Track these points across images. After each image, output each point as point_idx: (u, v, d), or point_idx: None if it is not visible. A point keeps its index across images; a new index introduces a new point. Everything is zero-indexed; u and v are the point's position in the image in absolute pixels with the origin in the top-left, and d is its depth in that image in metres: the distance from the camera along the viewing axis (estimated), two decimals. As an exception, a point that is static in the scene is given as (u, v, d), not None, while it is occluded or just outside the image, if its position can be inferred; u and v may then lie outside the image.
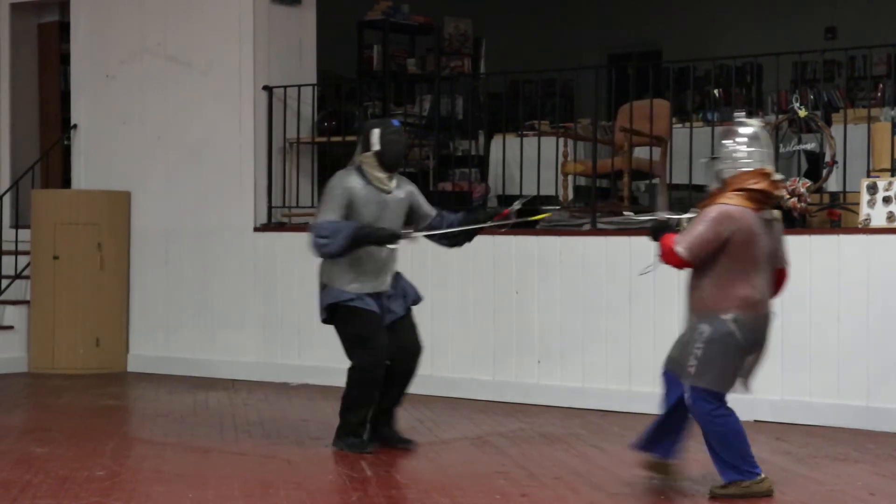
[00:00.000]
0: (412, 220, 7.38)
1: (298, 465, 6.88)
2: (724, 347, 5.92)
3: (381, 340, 7.11)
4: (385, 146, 7.15)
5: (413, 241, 7.20)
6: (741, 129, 6.08)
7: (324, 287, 7.19)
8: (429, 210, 7.39)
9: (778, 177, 6.07)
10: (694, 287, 6.07)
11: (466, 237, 7.40)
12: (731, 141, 6.03)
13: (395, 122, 7.32)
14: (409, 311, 7.39)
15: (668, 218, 6.34)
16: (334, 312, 7.17)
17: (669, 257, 6.02)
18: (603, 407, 8.78)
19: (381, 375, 7.12)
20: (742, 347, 5.95)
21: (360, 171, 7.19)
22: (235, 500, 6.09)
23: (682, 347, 6.08)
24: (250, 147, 10.60)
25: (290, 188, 10.63)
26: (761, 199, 5.97)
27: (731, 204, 5.91)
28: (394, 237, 7.09)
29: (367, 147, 7.19)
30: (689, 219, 6.15)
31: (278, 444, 7.50)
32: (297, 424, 8.33)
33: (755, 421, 8.28)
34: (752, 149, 6.00)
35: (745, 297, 5.91)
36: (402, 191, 7.31)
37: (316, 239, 6.99)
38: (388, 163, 7.17)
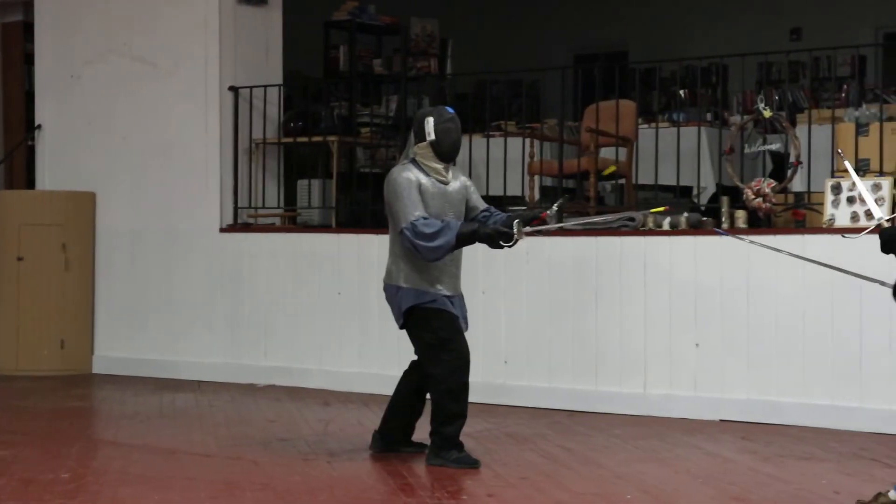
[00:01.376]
0: (468, 214, 7.04)
1: (265, 467, 6.85)
2: None
3: (464, 343, 6.85)
4: (441, 135, 6.79)
5: (520, 239, 6.70)
6: None
7: (397, 290, 6.87)
8: (479, 203, 7.05)
9: None
10: None
11: (507, 242, 6.82)
12: None
13: (450, 110, 6.92)
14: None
15: (883, 219, 5.38)
16: (410, 316, 6.85)
17: None
18: (569, 407, 8.79)
19: (467, 380, 6.86)
20: None
21: (417, 164, 6.85)
22: (201, 502, 6.06)
23: None
24: (216, 148, 10.57)
25: (256, 189, 10.61)
26: None
27: None
28: (507, 236, 6.68)
29: (421, 137, 6.82)
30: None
31: (245, 446, 7.48)
32: (264, 425, 8.30)
33: (721, 420, 8.32)
34: None
35: None
36: (459, 181, 6.97)
37: (422, 242, 6.62)
38: (445, 151, 6.82)
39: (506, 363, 9.16)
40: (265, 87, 10.58)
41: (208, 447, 7.51)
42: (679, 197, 9.72)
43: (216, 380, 10.26)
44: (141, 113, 10.90)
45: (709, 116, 12.32)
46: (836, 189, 8.28)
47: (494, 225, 6.84)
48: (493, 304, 9.19)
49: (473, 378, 9.24)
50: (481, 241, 6.72)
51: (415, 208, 6.67)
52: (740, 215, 8.65)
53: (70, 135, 11.29)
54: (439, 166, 6.83)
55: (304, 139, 10.48)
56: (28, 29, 12.04)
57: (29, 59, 12.05)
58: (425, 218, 6.65)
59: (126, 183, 10.96)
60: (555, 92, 11.79)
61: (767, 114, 8.95)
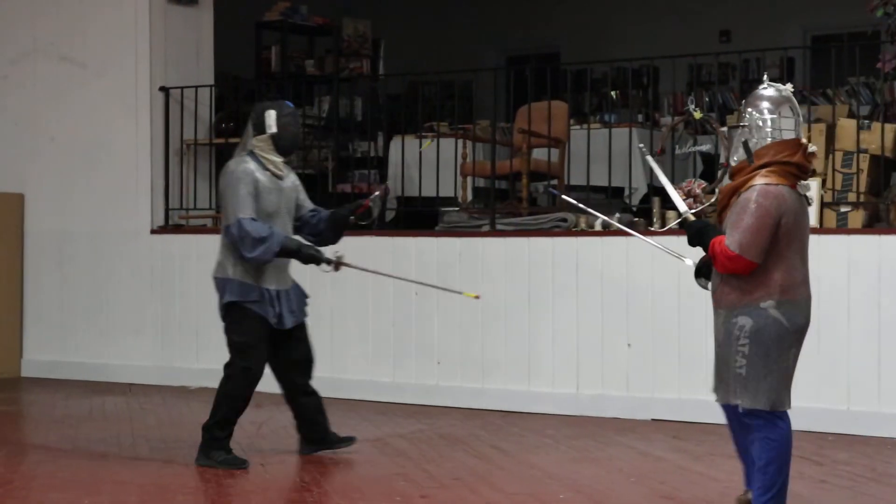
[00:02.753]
0: (296, 212, 7.05)
1: (196, 470, 6.80)
2: (773, 345, 5.15)
3: (262, 357, 6.83)
4: (282, 128, 6.77)
5: (337, 269, 6.90)
6: (767, 93, 5.27)
7: (225, 281, 6.78)
8: (307, 202, 7.06)
9: (812, 148, 5.29)
10: (723, 280, 5.22)
11: (334, 236, 7.06)
12: (757, 106, 5.24)
13: (290, 104, 6.91)
14: (300, 322, 7.08)
15: (688, 213, 5.48)
16: (230, 311, 6.80)
17: (732, 264, 5.08)
18: (503, 408, 8.81)
19: (250, 395, 6.84)
20: (792, 334, 5.18)
21: (255, 157, 6.80)
22: (132, 506, 6.02)
23: (721, 354, 5.30)
24: (147, 149, 10.48)
25: (187, 190, 10.53)
26: (796, 174, 5.20)
27: (769, 182, 5.10)
28: (318, 260, 6.81)
29: (260, 130, 6.79)
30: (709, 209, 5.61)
31: (176, 449, 7.42)
32: (196, 428, 8.19)
33: (653, 420, 8.38)
34: (782, 115, 5.23)
35: (785, 282, 5.13)
36: (291, 178, 6.97)
37: (242, 246, 6.60)
38: (285, 146, 6.82)
39: (439, 364, 9.17)
40: (196, 87, 10.52)
41: (139, 451, 7.45)
42: (611, 197, 9.77)
43: (147, 382, 10.18)
44: (70, 113, 10.79)
45: (640, 118, 12.40)
46: (766, 190, 8.34)
47: (321, 234, 7.01)
48: (426, 306, 9.19)
49: (407, 379, 9.32)
50: (298, 259, 6.78)
51: (245, 206, 6.63)
52: (671, 216, 8.72)
53: (-3, 135, 11.15)
54: (278, 160, 6.80)
55: (236, 140, 10.39)
56: (-46, 28, 11.88)
57: (-45, 59, 11.88)
58: (253, 219, 6.62)
59: (55, 184, 10.84)
60: (487, 93, 11.81)
61: (698, 115, 8.99)
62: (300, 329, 7.03)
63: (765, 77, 5.47)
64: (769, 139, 5.19)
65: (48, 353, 10.83)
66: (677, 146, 9.49)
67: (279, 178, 6.81)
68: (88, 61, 10.73)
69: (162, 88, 10.46)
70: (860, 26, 10.51)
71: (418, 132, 10.34)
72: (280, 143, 6.79)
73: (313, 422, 7.12)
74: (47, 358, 10.81)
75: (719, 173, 8.95)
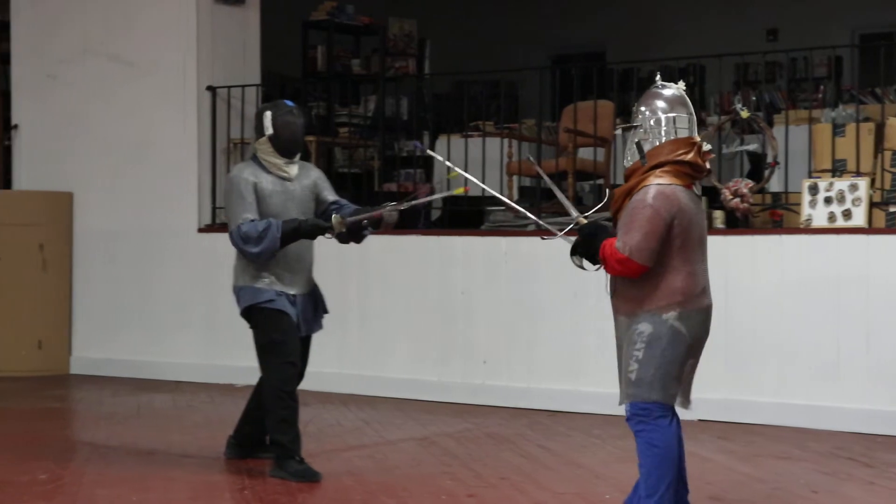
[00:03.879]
0: (318, 208, 6.78)
1: (243, 467, 6.84)
2: (669, 347, 5.09)
3: (294, 348, 6.57)
4: (279, 129, 6.55)
5: (341, 230, 6.46)
6: (663, 92, 5.17)
7: (238, 289, 6.77)
8: (329, 196, 6.78)
9: (707, 146, 5.22)
10: (622, 285, 5.16)
11: (356, 237, 6.68)
12: (651, 106, 5.13)
13: (289, 103, 6.67)
14: (310, 333, 6.84)
15: (579, 217, 5.39)
16: (250, 317, 6.67)
17: (622, 267, 5.00)
18: (549, 407, 8.81)
19: (293, 389, 6.56)
20: (689, 345, 5.14)
21: (257, 161, 6.64)
22: (180, 503, 6.05)
23: (621, 359, 5.29)
24: (194, 147, 10.54)
25: (234, 189, 10.56)
26: (691, 174, 5.07)
27: (662, 183, 4.99)
28: (325, 229, 6.49)
29: (261, 132, 6.61)
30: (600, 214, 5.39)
31: (223, 446, 7.45)
32: (243, 426, 8.28)
33: (699, 420, 8.34)
34: (677, 114, 5.11)
35: (686, 290, 5.04)
36: (307, 178, 6.73)
37: (246, 247, 6.54)
38: (284, 146, 6.59)
39: (485, 363, 9.17)
40: (243, 86, 10.56)
41: (187, 448, 7.49)
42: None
43: (194, 380, 10.24)
44: (118, 113, 10.87)
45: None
46: (814, 189, 8.31)
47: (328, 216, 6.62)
48: (472, 304, 9.19)
49: (452, 378, 9.31)
50: (304, 236, 6.52)
51: (244, 211, 6.52)
52: (718, 215, 8.68)
53: (47, 135, 11.24)
54: (279, 161, 6.59)
55: (283, 139, 10.44)
56: (4, 28, 11.99)
57: (5, 59, 12.00)
58: (252, 220, 6.49)
59: (104, 183, 10.92)
60: (533, 92, 11.81)
61: (745, 114, 8.99)
62: (306, 341, 6.83)
63: (657, 77, 5.33)
64: (663, 138, 5.06)
65: (97, 350, 10.91)
66: (724, 145, 9.45)
67: (285, 179, 6.63)
68: (137, 61, 10.80)
69: (209, 88, 10.52)
70: (910, 24, 10.44)
71: (464, 131, 10.34)
72: (278, 144, 6.58)
73: (262, 431, 6.83)
74: (96, 355, 10.89)
75: (766, 172, 8.92)
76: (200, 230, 10.51)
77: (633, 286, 5.07)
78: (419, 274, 9.45)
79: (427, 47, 13.38)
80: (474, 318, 9.23)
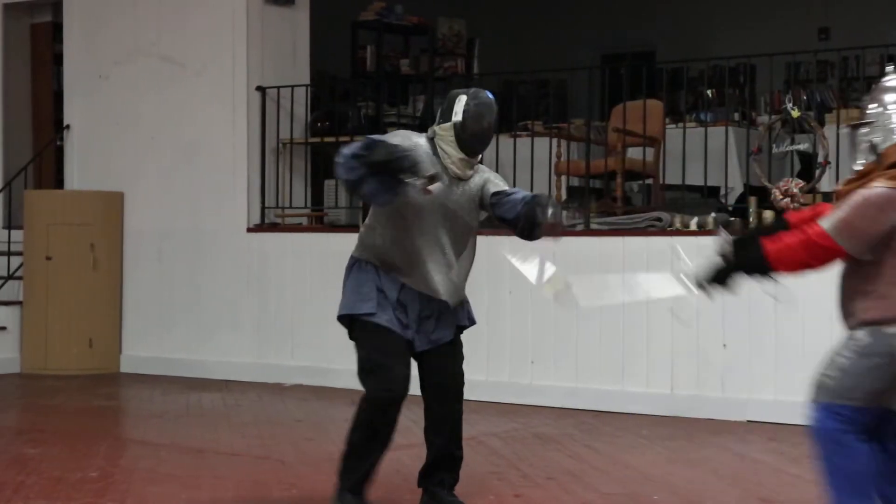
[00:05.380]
0: (483, 207, 5.69)
1: (292, 466, 6.87)
2: (880, 367, 4.49)
3: (397, 371, 5.47)
4: (468, 118, 5.48)
5: (437, 188, 5.36)
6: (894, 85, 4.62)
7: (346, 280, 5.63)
8: (497, 188, 5.63)
9: None
10: (850, 291, 4.70)
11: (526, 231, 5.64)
12: (885, 101, 4.59)
13: (489, 95, 5.68)
14: (456, 336, 5.79)
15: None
16: (351, 326, 5.59)
17: (821, 241, 4.49)
18: (596, 407, 8.78)
19: (391, 418, 5.55)
20: None
21: (433, 144, 5.57)
22: (229, 501, 6.09)
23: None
24: (244, 147, 10.60)
25: (283, 189, 10.63)
26: None
27: (890, 187, 4.41)
28: (416, 168, 5.20)
29: (447, 117, 5.53)
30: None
31: (272, 445, 7.50)
32: (291, 425, 8.32)
33: (748, 421, 8.30)
34: None
35: None
36: (478, 181, 5.63)
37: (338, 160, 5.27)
38: (467, 139, 5.47)
39: (532, 363, 9.16)
40: (292, 87, 10.60)
41: (236, 446, 7.53)
42: (706, 197, 9.69)
43: (243, 379, 10.29)
44: (169, 113, 10.94)
45: (736, 116, 12.28)
46: (865, 189, 8.23)
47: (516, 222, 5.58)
48: (520, 305, 9.18)
49: (500, 377, 9.29)
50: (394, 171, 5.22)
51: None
52: (768, 215, 8.62)
53: (98, 135, 11.34)
54: (458, 156, 5.52)
55: (332, 139, 10.48)
56: (57, 29, 12.12)
57: (58, 60, 12.13)
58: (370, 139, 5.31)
59: (154, 183, 11.00)
60: (582, 92, 11.77)
61: (795, 114, 8.92)
62: (451, 346, 5.83)
63: (888, 67, 4.95)
64: (895, 137, 4.51)
65: (147, 349, 10.99)
66: (774, 145, 9.38)
67: (457, 177, 5.55)
68: (188, 61, 10.87)
69: (259, 88, 10.57)
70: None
71: (513, 131, 10.32)
72: (462, 135, 5.50)
73: (436, 470, 5.94)
74: (146, 354, 10.97)
75: (817, 172, 8.85)
76: (249, 230, 10.55)
77: (862, 296, 4.61)
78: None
79: (476, 47, 13.38)
80: (522, 317, 9.22)
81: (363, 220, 5.90)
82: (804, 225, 4.61)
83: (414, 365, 5.65)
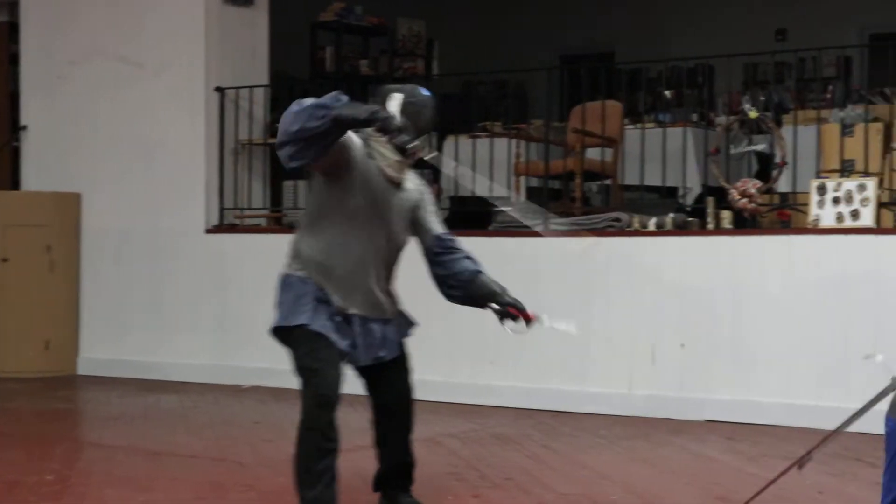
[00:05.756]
0: (413, 229, 5.45)
1: (250, 468, 6.84)
2: None
3: (329, 375, 5.12)
4: (408, 118, 5.00)
5: (421, 153, 5.15)
6: None
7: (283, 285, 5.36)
8: (434, 226, 5.43)
9: None
10: None
11: (464, 303, 5.71)
12: None
13: (425, 92, 5.27)
14: (402, 349, 5.69)
15: None
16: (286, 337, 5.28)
17: None
18: (555, 407, 8.79)
19: (327, 421, 5.14)
20: None
21: (367, 146, 5.16)
22: (186, 503, 6.05)
23: None
24: (202, 148, 10.55)
25: (241, 190, 10.59)
26: None
27: None
28: (381, 120, 4.80)
29: None
30: None
31: (230, 447, 7.47)
32: (249, 427, 8.29)
33: (706, 420, 8.33)
34: None
35: None
36: (416, 190, 5.37)
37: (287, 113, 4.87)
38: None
39: (491, 363, 9.16)
40: (251, 87, 10.57)
41: (193, 448, 7.50)
42: (665, 197, 9.73)
43: (201, 381, 10.24)
44: (127, 114, 10.88)
45: (694, 117, 12.34)
46: (822, 189, 8.30)
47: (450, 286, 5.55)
48: (479, 305, 9.17)
49: (458, 378, 9.30)
50: (372, 123, 4.84)
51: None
52: (726, 216, 8.67)
53: (56, 135, 11.26)
54: (393, 158, 5.17)
55: (290, 140, 10.45)
56: (14, 29, 12.02)
57: (14, 60, 12.03)
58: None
59: (112, 184, 10.93)
60: (541, 92, 11.81)
61: (753, 114, 8.97)
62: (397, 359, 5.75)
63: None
64: None
65: (104, 351, 10.92)
66: (732, 146, 9.43)
67: (392, 182, 5.22)
68: (145, 61, 10.81)
69: (217, 89, 10.53)
70: (919, 24, 10.42)
71: (472, 132, 10.33)
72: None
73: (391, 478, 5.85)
74: (103, 356, 10.90)
75: (774, 173, 8.90)
76: (208, 231, 10.51)
77: None
78: (425, 274, 9.43)
79: (435, 48, 13.39)
80: (481, 318, 9.18)
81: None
82: None
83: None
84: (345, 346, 5.20)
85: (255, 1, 10.81)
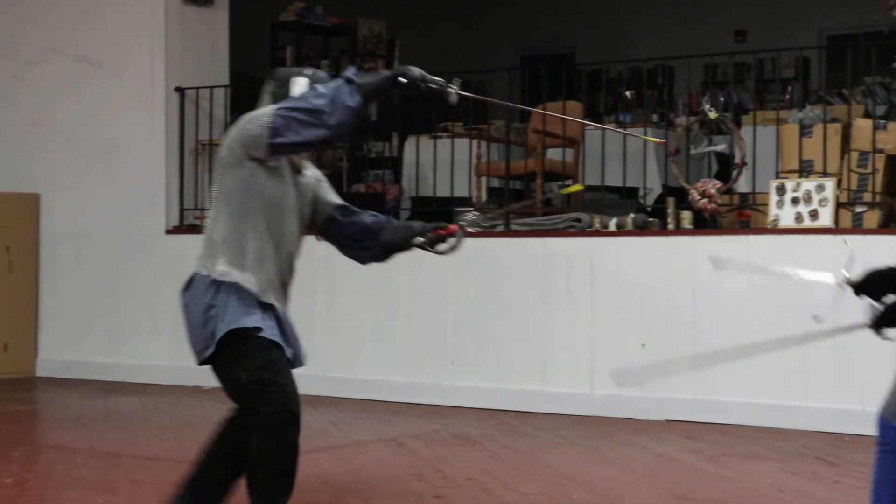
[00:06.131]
0: (312, 211, 5.07)
1: (210, 469, 6.81)
2: None
3: (291, 388, 4.75)
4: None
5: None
6: None
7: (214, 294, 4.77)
8: (333, 197, 5.13)
9: None
10: None
11: (382, 254, 5.23)
12: None
13: (325, 74, 5.04)
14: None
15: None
16: (224, 345, 4.76)
17: None
18: (517, 408, 8.80)
19: (293, 439, 4.79)
20: None
21: None
22: (146, 506, 6.03)
23: None
24: (162, 149, 10.50)
25: (201, 190, 10.54)
26: None
27: None
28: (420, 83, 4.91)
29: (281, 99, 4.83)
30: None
31: (190, 448, 7.37)
32: (210, 428, 8.20)
33: (667, 420, 8.37)
34: None
35: None
36: (313, 175, 5.10)
37: (301, 115, 4.60)
38: None
39: (453, 364, 9.16)
40: (211, 87, 10.53)
41: (153, 450, 7.46)
42: (625, 197, 9.77)
43: (161, 382, 10.19)
44: (86, 114, 10.82)
45: (655, 118, 12.39)
46: (781, 190, 8.34)
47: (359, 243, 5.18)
48: (440, 305, 9.19)
49: (420, 378, 9.30)
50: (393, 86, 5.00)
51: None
52: (686, 216, 8.71)
53: (14, 136, 11.18)
54: None
55: (251, 140, 10.41)
56: (-29, 29, 11.92)
57: (-29, 60, 11.92)
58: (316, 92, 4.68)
59: (71, 184, 10.87)
60: (502, 93, 11.80)
61: (713, 115, 9.01)
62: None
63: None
64: None
65: (63, 352, 10.86)
66: (692, 146, 9.47)
67: (295, 171, 4.96)
68: (104, 61, 10.76)
69: (177, 89, 10.48)
70: (876, 26, 10.50)
71: (433, 132, 10.33)
72: None
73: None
74: (63, 358, 10.84)
75: (734, 173, 8.95)
76: (168, 231, 10.47)
77: None
78: (387, 274, 9.43)
79: (396, 48, 13.37)
80: (443, 318, 9.23)
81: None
82: None
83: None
84: (290, 353, 4.85)
85: (214, 0, 10.77)
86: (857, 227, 8.23)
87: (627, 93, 12.96)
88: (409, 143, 11.07)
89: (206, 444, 5.20)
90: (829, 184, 8.23)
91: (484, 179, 10.09)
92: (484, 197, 10.04)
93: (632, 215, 8.90)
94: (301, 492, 6.29)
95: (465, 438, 7.79)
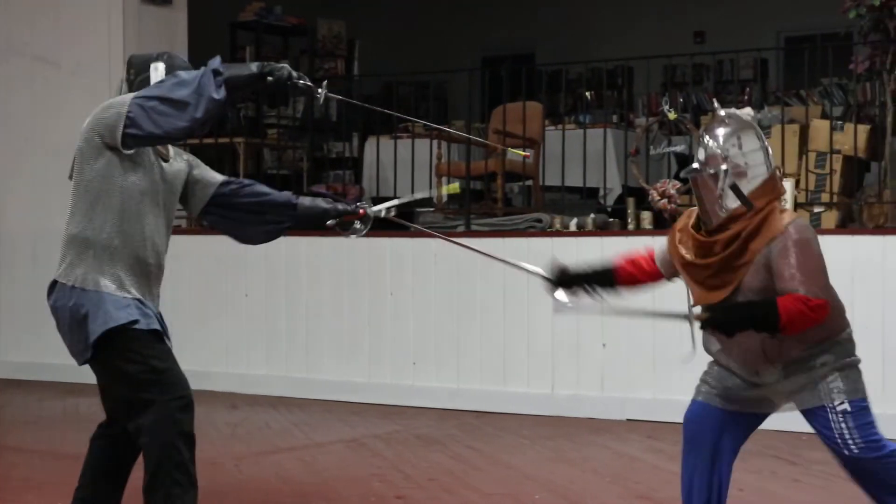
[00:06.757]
0: (189, 195, 4.93)
1: (171, 471, 6.77)
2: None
3: (181, 374, 4.76)
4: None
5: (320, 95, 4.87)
6: (739, 123, 4.48)
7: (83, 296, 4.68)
8: (215, 176, 4.98)
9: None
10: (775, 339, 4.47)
11: (291, 227, 5.22)
12: (741, 142, 4.38)
13: (183, 61, 5.09)
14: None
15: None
16: (104, 345, 4.67)
17: (819, 313, 4.28)
18: (478, 408, 8.81)
19: (192, 424, 4.79)
20: None
21: None
22: (106, 508, 5.98)
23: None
24: (120, 149, 10.42)
25: (161, 190, 10.48)
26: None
27: (793, 218, 4.31)
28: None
29: (143, 87, 4.81)
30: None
31: (150, 450, 7.38)
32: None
33: (627, 420, 8.39)
34: (765, 144, 4.46)
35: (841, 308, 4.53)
36: (184, 160, 4.93)
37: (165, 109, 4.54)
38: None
39: (414, 364, 9.16)
40: (170, 87, 10.46)
41: (113, 452, 7.40)
42: (585, 198, 9.79)
43: (121, 384, 10.11)
44: (43, 114, 10.73)
45: (614, 118, 12.43)
46: (740, 190, 8.37)
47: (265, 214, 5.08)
48: (402, 306, 9.18)
49: (381, 379, 9.28)
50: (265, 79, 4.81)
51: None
52: (646, 217, 8.74)
53: (-30, 136, 11.08)
54: None
55: (211, 141, 10.39)
56: (-74, 28, 11.80)
57: (-73, 59, 11.81)
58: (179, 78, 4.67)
59: (27, 184, 10.78)
60: (462, 93, 11.82)
61: (672, 116, 9.05)
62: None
63: (715, 104, 4.83)
64: (760, 177, 4.31)
65: (21, 354, 10.77)
66: (652, 147, 9.51)
67: (162, 158, 4.81)
68: (62, 61, 10.68)
69: (135, 89, 10.41)
70: (833, 28, 10.56)
71: (393, 133, 10.33)
72: None
73: None
74: (20, 359, 10.74)
75: (694, 174, 8.98)
76: (127, 232, 10.39)
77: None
78: (348, 275, 9.43)
79: (356, 48, 13.35)
80: (403, 319, 9.22)
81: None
82: (795, 302, 4.24)
83: None
84: (170, 345, 4.77)
85: (173, 0, 10.72)
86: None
87: (587, 93, 13.02)
88: (370, 143, 11.06)
89: (84, 471, 5.09)
90: (788, 184, 8.28)
91: (444, 180, 10.09)
92: (444, 197, 10.03)
93: (592, 216, 8.93)
94: (263, 493, 6.30)
95: (427, 439, 7.79)
